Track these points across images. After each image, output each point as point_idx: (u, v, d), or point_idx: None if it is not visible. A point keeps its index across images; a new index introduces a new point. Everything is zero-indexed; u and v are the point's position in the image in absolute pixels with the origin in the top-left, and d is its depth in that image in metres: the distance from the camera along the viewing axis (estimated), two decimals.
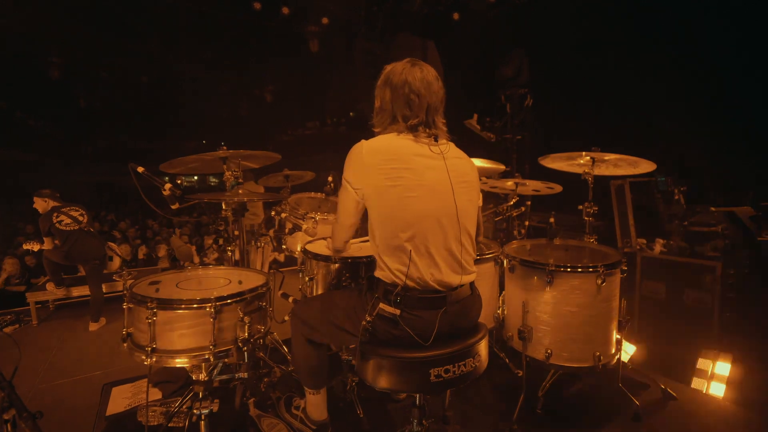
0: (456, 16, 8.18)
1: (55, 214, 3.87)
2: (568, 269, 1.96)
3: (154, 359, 1.38)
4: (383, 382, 1.33)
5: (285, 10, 7.05)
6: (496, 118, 5.29)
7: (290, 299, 2.44)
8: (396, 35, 11.00)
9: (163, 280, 1.65)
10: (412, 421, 1.60)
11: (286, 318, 2.46)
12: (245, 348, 1.49)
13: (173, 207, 1.97)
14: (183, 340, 1.41)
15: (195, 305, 1.40)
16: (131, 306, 1.44)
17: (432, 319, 1.37)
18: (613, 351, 2.05)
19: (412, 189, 1.38)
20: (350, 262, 1.98)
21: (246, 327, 1.47)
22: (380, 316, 1.39)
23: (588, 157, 2.31)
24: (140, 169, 1.86)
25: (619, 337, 2.06)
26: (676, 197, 4.32)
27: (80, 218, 4.00)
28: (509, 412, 2.08)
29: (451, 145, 1.55)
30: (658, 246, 4.02)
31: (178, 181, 24.14)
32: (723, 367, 2.45)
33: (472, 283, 1.52)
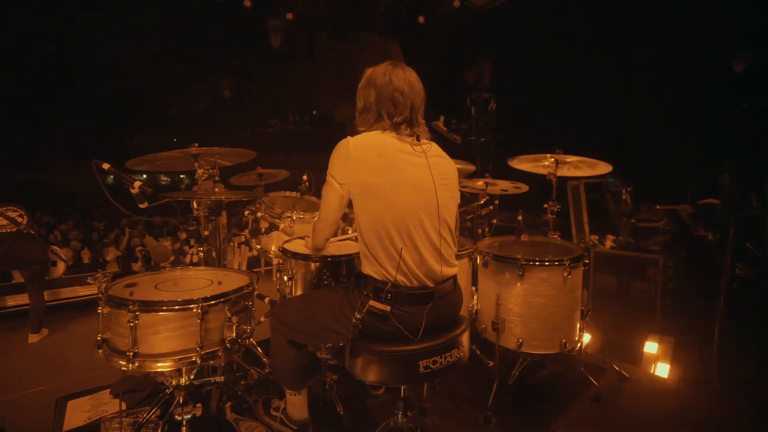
0: (421, 19, 8.28)
1: None
2: (537, 263, 2.09)
3: (136, 364, 1.31)
4: (374, 376, 1.36)
5: (247, 3, 6.82)
6: (461, 121, 5.47)
7: (266, 300, 2.39)
8: (360, 34, 10.97)
9: (140, 282, 1.57)
10: (397, 413, 1.64)
11: (262, 319, 2.42)
12: (233, 348, 1.45)
13: (141, 206, 1.88)
14: (167, 343, 1.35)
15: (181, 306, 1.35)
16: (107, 310, 1.36)
17: (420, 314, 1.42)
18: (577, 338, 2.21)
19: (397, 184, 1.42)
20: (330, 261, 1.98)
21: (234, 327, 1.44)
22: (370, 313, 1.42)
23: (552, 159, 2.47)
24: (106, 166, 1.75)
25: (581, 324, 2.22)
26: (624, 197, 4.69)
27: (19, 219, 3.66)
28: (483, 401, 2.17)
29: (433, 144, 1.60)
30: (609, 242, 4.36)
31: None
32: (667, 349, 2.71)
33: (455, 278, 1.58)
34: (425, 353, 1.37)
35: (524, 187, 2.88)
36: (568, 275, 2.06)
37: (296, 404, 1.87)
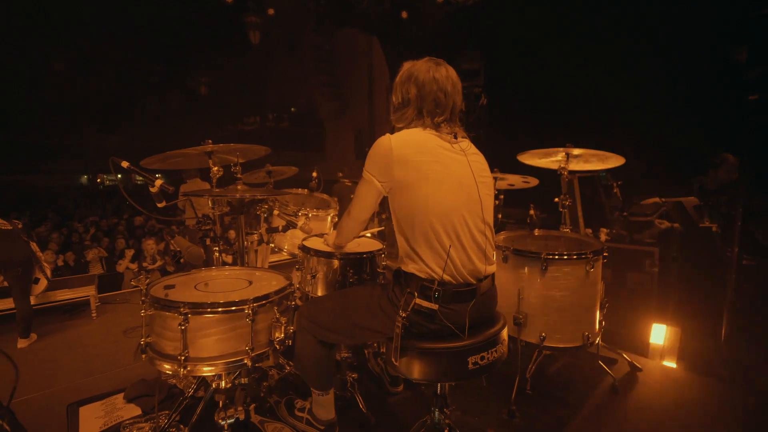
0: (404, 14, 8.26)
1: None
2: (557, 257, 2.11)
3: (187, 368, 1.25)
4: (422, 374, 1.35)
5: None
6: None
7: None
8: (340, 30, 10.86)
9: (177, 284, 1.50)
10: (433, 410, 1.63)
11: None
12: (281, 349, 1.41)
13: (160, 205, 1.80)
14: (218, 346, 1.29)
15: (232, 308, 1.29)
16: (151, 312, 1.29)
17: (463, 312, 1.41)
18: (597, 330, 2.24)
19: (442, 181, 1.41)
20: (354, 259, 1.96)
21: (282, 327, 1.40)
22: (416, 312, 1.39)
23: (563, 153, 2.49)
24: (125, 164, 1.67)
25: (600, 317, 2.26)
26: (614, 190, 4.81)
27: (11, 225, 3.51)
28: (502, 395, 2.20)
29: (469, 142, 1.59)
30: (603, 235, 4.45)
31: (98, 180, 21.76)
32: (673, 339, 2.79)
33: (493, 275, 1.58)
34: (473, 349, 1.36)
35: (534, 181, 2.91)
36: (590, 268, 2.09)
37: (323, 404, 1.84)
